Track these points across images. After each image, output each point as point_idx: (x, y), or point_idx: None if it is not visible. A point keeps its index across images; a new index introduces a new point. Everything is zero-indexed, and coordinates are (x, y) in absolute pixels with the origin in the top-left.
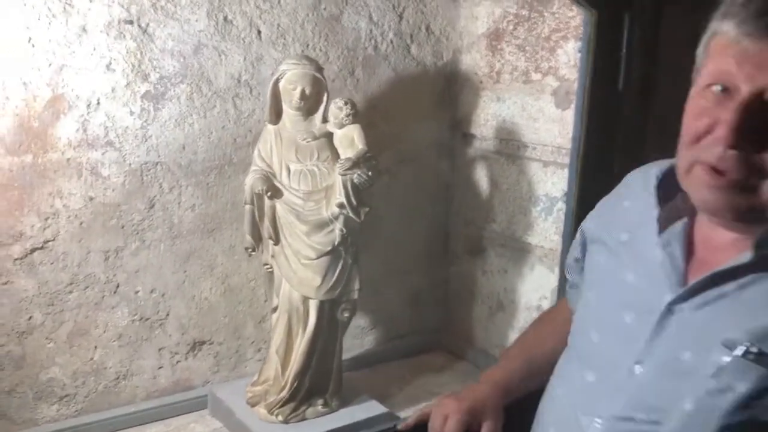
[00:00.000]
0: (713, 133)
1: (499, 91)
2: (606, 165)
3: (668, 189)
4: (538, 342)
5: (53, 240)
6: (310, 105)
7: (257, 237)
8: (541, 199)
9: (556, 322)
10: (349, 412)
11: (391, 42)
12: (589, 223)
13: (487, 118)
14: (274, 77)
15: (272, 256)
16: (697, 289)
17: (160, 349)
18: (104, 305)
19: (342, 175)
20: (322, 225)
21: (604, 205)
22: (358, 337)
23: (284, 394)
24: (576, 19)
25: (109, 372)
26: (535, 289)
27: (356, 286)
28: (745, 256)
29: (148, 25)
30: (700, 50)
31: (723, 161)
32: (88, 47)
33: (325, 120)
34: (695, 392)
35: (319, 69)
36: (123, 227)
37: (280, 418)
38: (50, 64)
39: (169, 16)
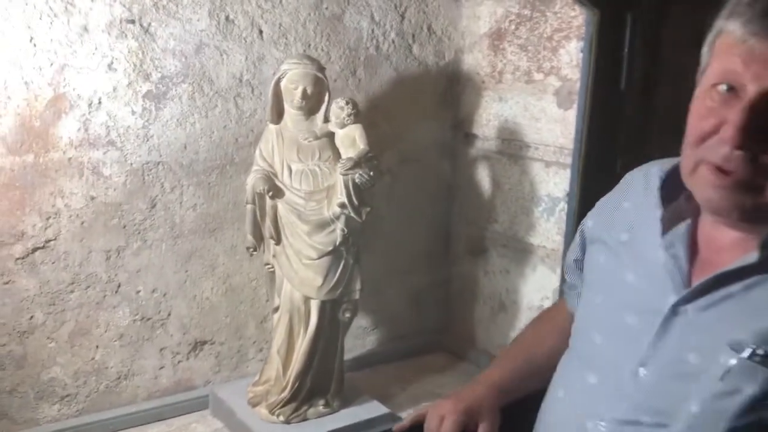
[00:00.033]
0: (719, 133)
1: (501, 91)
2: (608, 165)
3: (670, 189)
4: (536, 342)
5: (55, 239)
6: (311, 105)
7: (259, 237)
8: (543, 200)
9: (553, 322)
10: (350, 412)
11: (393, 42)
12: (589, 222)
13: (489, 118)
14: (276, 77)
15: (273, 256)
16: (701, 290)
17: (161, 349)
18: (105, 305)
19: (343, 174)
20: (323, 225)
21: (603, 204)
22: (360, 338)
23: (285, 394)
24: (578, 18)
25: (110, 372)
26: (537, 289)
27: (357, 286)
28: (752, 256)
29: (149, 24)
30: (705, 49)
31: (729, 162)
32: (89, 47)
33: (326, 120)
34: (701, 395)
35: (321, 69)
36: (124, 227)
37: (281, 418)
38: (52, 64)
39: (170, 16)
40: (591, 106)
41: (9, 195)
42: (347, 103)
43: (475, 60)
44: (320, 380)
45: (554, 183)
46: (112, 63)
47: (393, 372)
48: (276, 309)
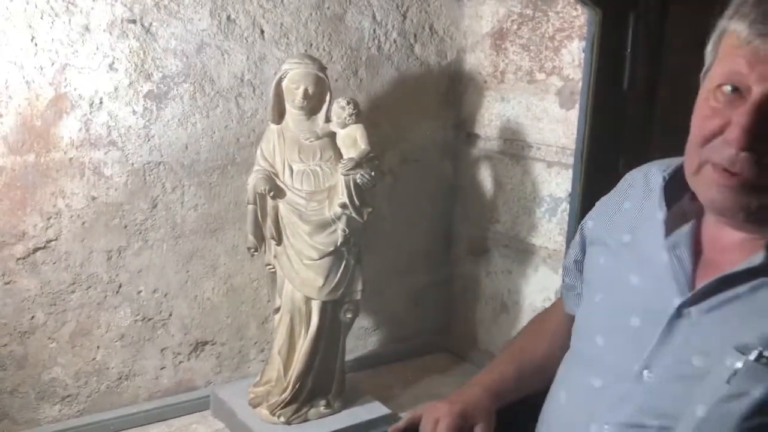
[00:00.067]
0: (724, 134)
1: (503, 91)
2: (610, 165)
3: (672, 190)
4: (531, 345)
5: (56, 240)
6: (313, 104)
7: (260, 237)
8: (545, 200)
9: (548, 325)
10: (351, 413)
11: (395, 41)
12: (589, 223)
13: (491, 118)
14: (277, 76)
15: (275, 257)
16: (706, 292)
17: (162, 350)
18: (107, 305)
19: (345, 175)
20: (324, 225)
21: (603, 204)
22: (361, 338)
23: (286, 395)
24: (580, 18)
25: (111, 372)
26: (539, 290)
27: (359, 286)
28: (758, 257)
29: (151, 24)
30: (709, 50)
31: (735, 163)
32: (90, 46)
33: (327, 120)
34: (708, 397)
35: (322, 68)
36: (126, 227)
37: (282, 419)
38: (53, 63)
39: (172, 16)
40: (593, 106)
41: (10, 195)
42: (348, 103)
43: (477, 60)
44: (321, 381)
45: (556, 183)
46: (113, 63)
47: (394, 373)
48: (277, 309)
